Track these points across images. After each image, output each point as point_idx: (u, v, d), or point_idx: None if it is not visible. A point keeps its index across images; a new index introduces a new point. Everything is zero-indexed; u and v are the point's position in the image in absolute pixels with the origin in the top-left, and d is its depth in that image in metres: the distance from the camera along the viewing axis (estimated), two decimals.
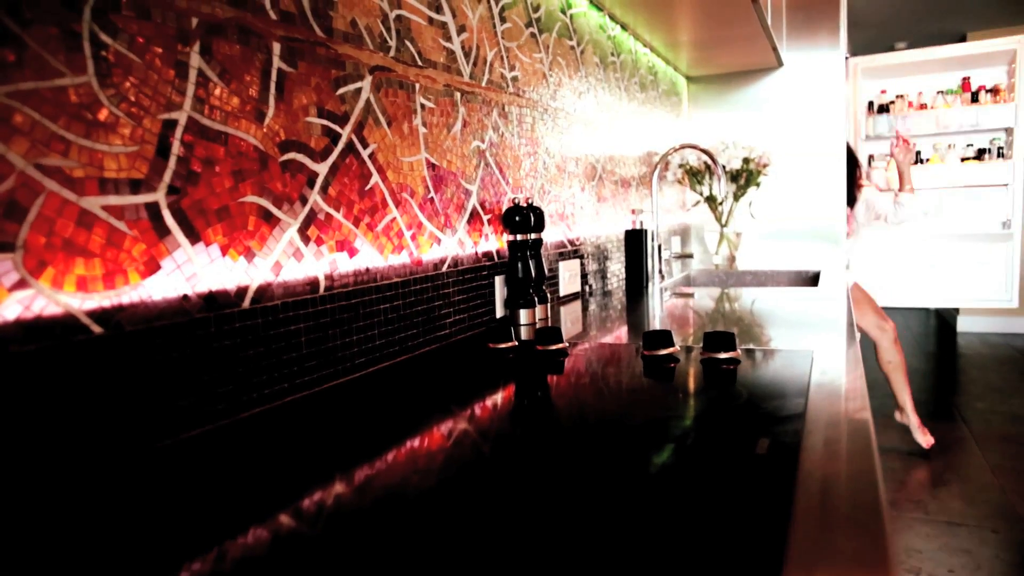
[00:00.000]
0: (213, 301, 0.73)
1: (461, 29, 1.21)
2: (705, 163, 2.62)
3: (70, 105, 0.60)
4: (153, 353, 0.66)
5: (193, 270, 0.71)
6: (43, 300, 0.58)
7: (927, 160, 3.14)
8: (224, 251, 0.75)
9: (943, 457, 2.86)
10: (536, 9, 1.51)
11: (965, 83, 2.89)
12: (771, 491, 0.49)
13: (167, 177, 0.68)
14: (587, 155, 1.81)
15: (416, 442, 0.65)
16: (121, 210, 0.64)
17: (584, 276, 1.77)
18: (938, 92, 3.07)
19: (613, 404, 0.77)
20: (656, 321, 1.36)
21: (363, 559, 0.43)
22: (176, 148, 0.69)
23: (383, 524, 0.47)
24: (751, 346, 1.04)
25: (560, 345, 1.01)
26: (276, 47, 0.82)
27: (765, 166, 2.61)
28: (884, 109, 3.14)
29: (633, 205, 2.21)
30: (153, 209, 0.67)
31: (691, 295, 1.77)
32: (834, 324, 1.20)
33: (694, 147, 2.03)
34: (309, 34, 0.87)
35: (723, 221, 2.71)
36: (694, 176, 2.65)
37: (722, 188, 2.12)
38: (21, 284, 0.56)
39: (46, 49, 0.58)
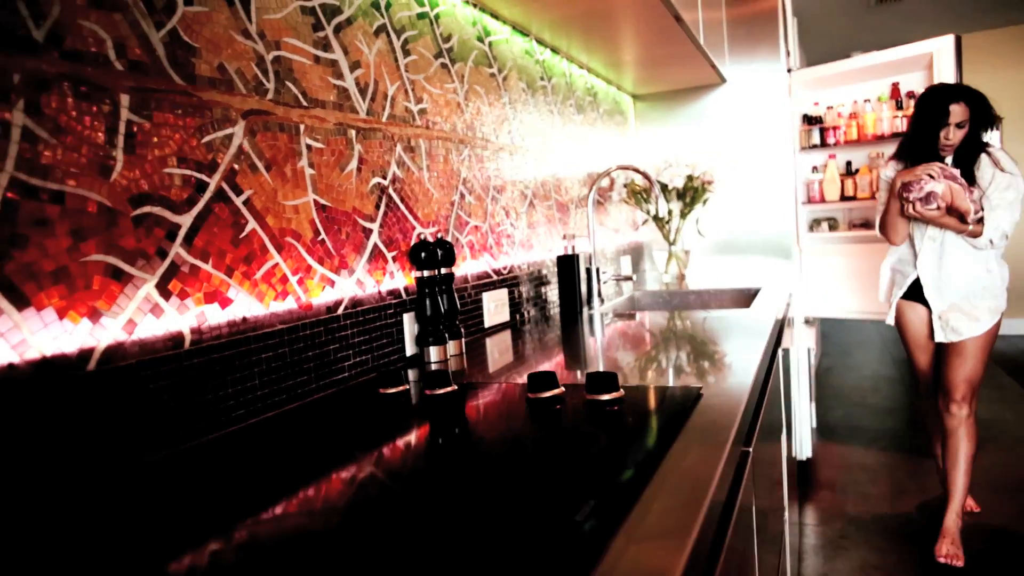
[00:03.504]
0: (49, 366, 0.70)
1: (355, 66, 1.19)
2: (661, 181, 2.62)
3: None
4: None
5: (24, 338, 0.68)
6: None
7: (857, 171, 3.17)
8: (62, 314, 0.72)
9: None
10: (447, 39, 1.50)
11: (894, 89, 2.92)
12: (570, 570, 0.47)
13: None
14: (515, 182, 1.80)
15: (246, 499, 0.62)
16: None
17: (516, 304, 1.75)
18: (865, 100, 3.11)
19: (463, 456, 0.74)
20: (573, 352, 1.34)
21: None
22: None
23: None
24: (640, 383, 1.02)
25: (448, 389, 0.98)
26: (124, 99, 0.79)
27: (709, 183, 2.62)
28: (817, 120, 3.18)
29: (577, 227, 2.20)
30: None
31: (629, 318, 1.75)
32: (745, 350, 1.19)
33: (627, 168, 2.03)
34: (166, 83, 0.85)
35: (671, 239, 2.71)
36: (639, 195, 2.65)
37: (661, 207, 2.11)
38: None
39: None
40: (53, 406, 0.70)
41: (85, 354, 0.74)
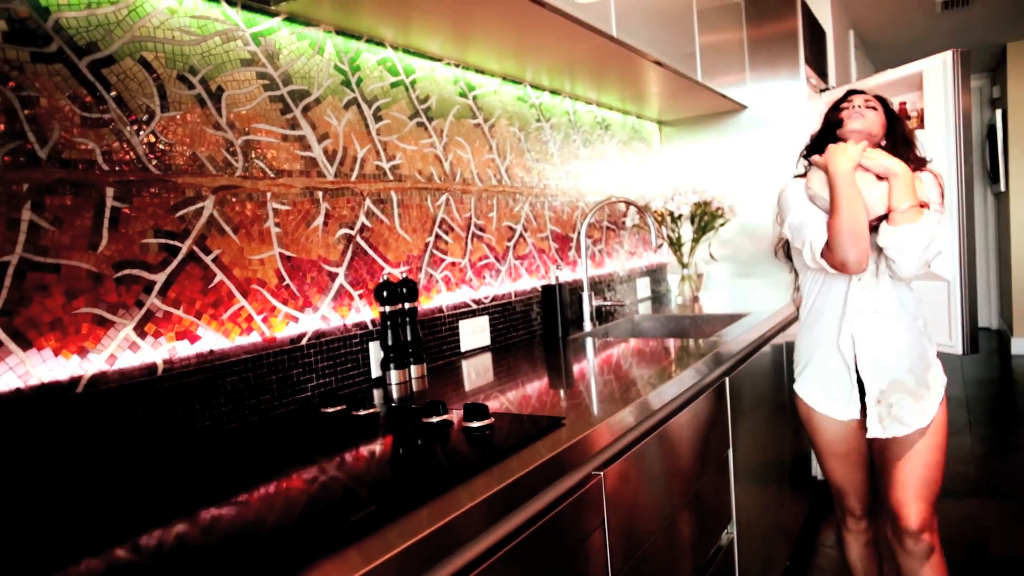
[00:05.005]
0: (46, 390, 0.98)
1: (323, 137, 1.44)
2: (668, 209, 2.75)
3: None
4: None
5: (28, 370, 0.96)
6: None
7: None
8: (56, 352, 1.00)
9: None
10: (424, 100, 1.73)
11: (901, 109, 2.89)
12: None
13: None
14: (502, 218, 2.00)
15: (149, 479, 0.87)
16: None
17: (500, 330, 1.95)
18: None
19: (307, 464, 0.96)
20: (523, 378, 1.53)
21: None
22: (7, 282, 0.95)
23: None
24: (524, 412, 1.20)
25: (370, 411, 1.20)
26: (109, 191, 1.07)
27: (720, 209, 2.71)
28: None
29: (580, 249, 2.37)
30: None
31: (606, 345, 1.92)
32: (662, 381, 1.34)
33: (619, 201, 2.19)
34: (143, 175, 1.12)
35: (684, 262, 2.82)
36: (659, 219, 2.78)
37: (653, 237, 2.25)
38: None
39: None
40: (49, 419, 0.97)
41: (74, 381, 1.01)
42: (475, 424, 1.07)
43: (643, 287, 2.90)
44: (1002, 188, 5.67)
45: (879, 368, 1.57)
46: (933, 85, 2.39)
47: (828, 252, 1.51)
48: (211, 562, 0.67)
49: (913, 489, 1.56)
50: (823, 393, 1.67)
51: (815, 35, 3.38)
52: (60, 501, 0.88)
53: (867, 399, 1.58)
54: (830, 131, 1.65)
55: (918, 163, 1.61)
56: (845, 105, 1.64)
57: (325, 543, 0.68)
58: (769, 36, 3.03)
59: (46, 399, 0.98)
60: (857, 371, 1.60)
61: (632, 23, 1.82)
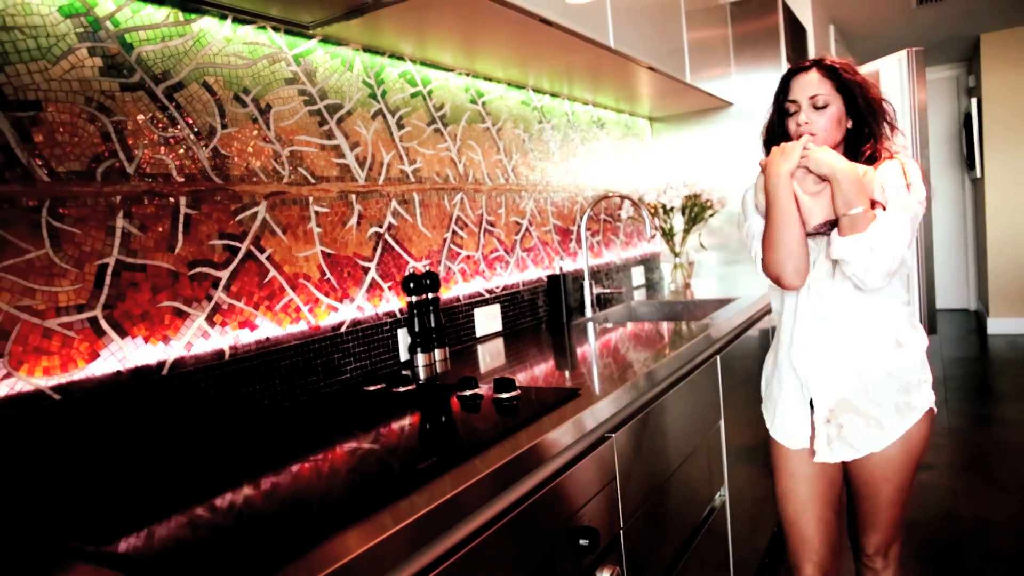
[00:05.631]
0: (139, 372, 1.15)
1: (354, 146, 1.61)
2: (661, 202, 2.92)
3: (34, 269, 1.02)
4: (97, 411, 1.07)
5: (124, 355, 1.13)
6: (21, 383, 1.00)
7: None
8: (146, 340, 1.16)
9: None
10: (439, 108, 1.90)
11: None
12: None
13: (103, 299, 1.10)
14: (510, 214, 2.17)
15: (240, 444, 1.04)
16: (70, 324, 1.06)
17: (510, 316, 2.13)
18: None
19: (375, 431, 1.13)
20: (535, 359, 1.70)
21: None
22: (107, 280, 1.11)
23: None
24: (547, 385, 1.38)
25: (408, 387, 1.38)
26: (183, 200, 1.23)
27: (707, 201, 2.89)
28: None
29: (580, 241, 2.55)
30: (94, 321, 1.09)
31: (607, 329, 2.10)
32: (656, 359, 1.52)
33: (615, 195, 2.36)
34: (209, 184, 1.28)
35: (676, 251, 3.00)
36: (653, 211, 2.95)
37: (648, 229, 2.43)
38: (7, 376, 0.98)
39: (11, 235, 1.00)
40: (142, 396, 1.14)
41: (160, 364, 1.18)
42: (504, 395, 1.24)
43: (638, 275, 3.08)
44: (978, 175, 5.89)
45: (829, 383, 1.43)
46: (889, 82, 2.57)
47: (765, 265, 1.44)
48: (319, 499, 0.84)
49: (870, 517, 1.48)
50: (777, 414, 1.54)
51: (796, 32, 3.56)
52: (156, 465, 1.05)
53: (815, 417, 1.45)
54: (782, 122, 1.47)
55: (884, 143, 1.43)
56: (791, 108, 1.43)
57: (403, 486, 0.85)
58: (753, 31, 3.20)
59: (139, 380, 1.14)
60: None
61: (627, 32, 1.99)
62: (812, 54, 3.93)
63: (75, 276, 1.07)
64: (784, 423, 1.52)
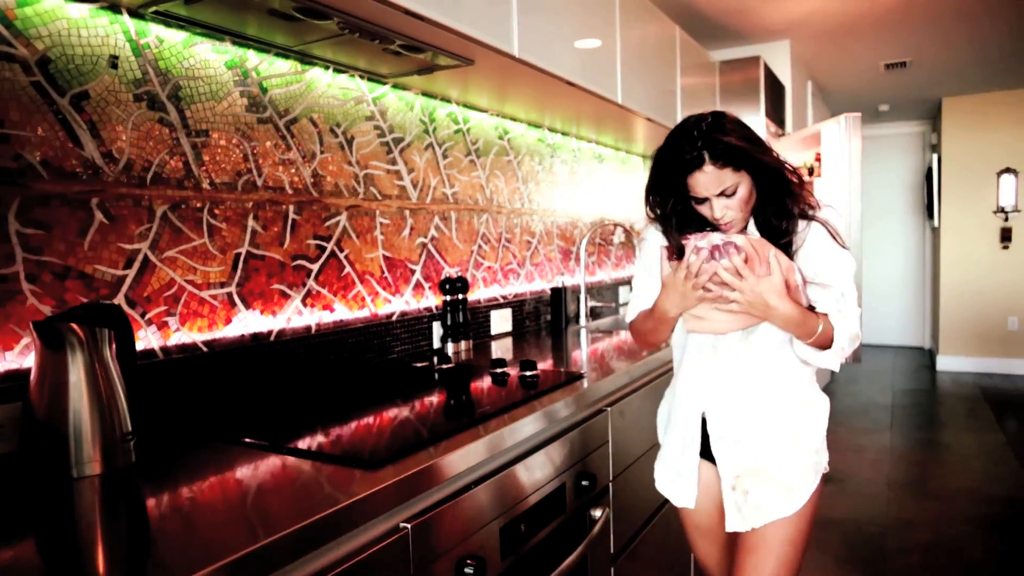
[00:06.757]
0: (256, 337, 1.51)
1: (411, 171, 1.99)
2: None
3: (197, 253, 1.38)
4: (230, 362, 1.43)
5: (246, 323, 1.49)
6: (185, 336, 1.36)
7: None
8: (262, 313, 1.52)
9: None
10: (475, 142, 2.29)
11: (817, 156, 3.54)
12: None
13: (236, 279, 1.47)
14: (522, 233, 2.56)
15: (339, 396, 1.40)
16: (216, 296, 1.42)
17: (520, 319, 2.51)
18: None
19: (439, 392, 1.50)
20: (540, 352, 2.08)
21: None
22: (240, 265, 1.47)
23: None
24: (556, 368, 1.76)
25: (448, 365, 1.75)
26: (291, 207, 1.60)
27: None
28: None
29: (579, 260, 2.94)
30: (230, 295, 1.45)
31: (598, 335, 2.49)
32: (636, 355, 1.91)
33: (610, 223, 2.75)
34: (308, 196, 1.65)
35: None
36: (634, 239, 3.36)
37: (637, 254, 2.83)
38: (177, 329, 1.34)
39: (185, 227, 1.37)
40: (258, 355, 1.50)
41: (269, 332, 1.54)
42: (528, 373, 1.62)
43: (624, 293, 3.48)
44: (936, 224, 6.41)
45: (736, 448, 1.33)
46: (829, 141, 3.02)
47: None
48: (419, 427, 1.21)
49: None
50: (668, 469, 1.44)
51: (775, 88, 4.02)
52: (269, 403, 1.42)
53: (722, 484, 1.34)
54: (681, 193, 1.26)
55: (804, 215, 1.30)
56: (701, 196, 1.23)
57: (473, 421, 1.23)
58: (737, 83, 3.65)
59: (256, 342, 1.50)
60: (708, 444, 1.37)
61: (632, 88, 2.40)
62: (789, 110, 4.40)
63: (220, 260, 1.44)
64: (673, 477, 1.43)
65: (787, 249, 1.27)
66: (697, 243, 1.18)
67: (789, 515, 1.30)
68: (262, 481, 0.98)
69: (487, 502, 1.14)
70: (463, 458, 1.10)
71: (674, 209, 1.31)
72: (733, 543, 1.39)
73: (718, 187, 1.21)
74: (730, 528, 1.33)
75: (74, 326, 1.02)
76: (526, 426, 1.28)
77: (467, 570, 1.06)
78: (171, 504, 0.91)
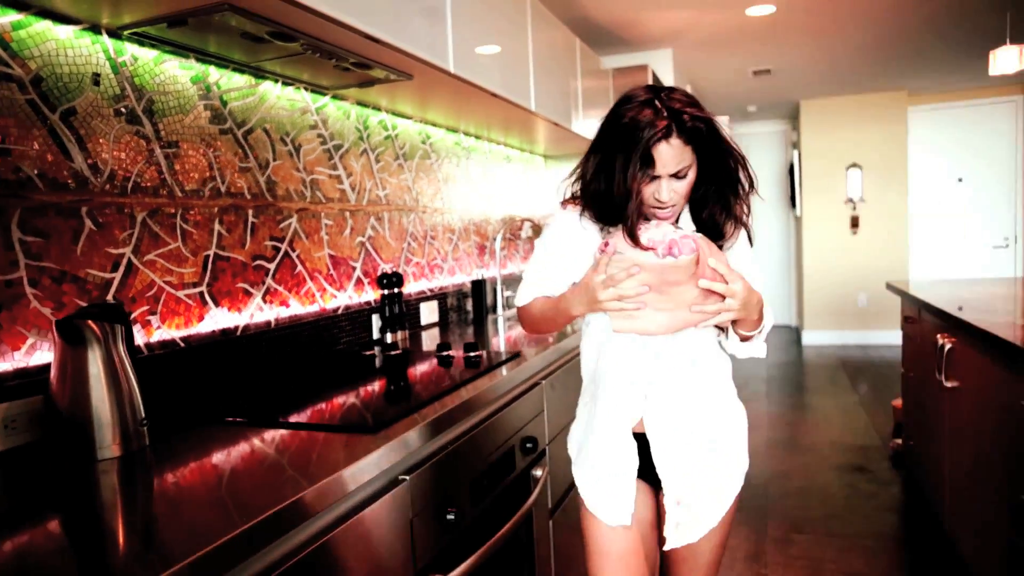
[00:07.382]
0: (225, 332, 1.63)
1: (349, 175, 2.14)
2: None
3: (172, 256, 1.50)
4: (205, 355, 1.55)
5: (216, 319, 1.61)
6: (165, 333, 1.47)
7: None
8: (230, 310, 1.65)
9: None
10: (402, 147, 2.46)
11: None
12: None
13: (207, 279, 1.59)
14: (444, 230, 2.76)
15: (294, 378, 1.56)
16: (190, 295, 1.54)
17: (445, 310, 2.71)
18: None
19: (378, 374, 1.69)
20: (465, 338, 2.30)
21: None
22: (209, 266, 1.59)
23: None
24: (488, 350, 1.99)
25: (395, 352, 1.93)
26: (250, 211, 1.73)
27: None
28: None
29: (494, 254, 3.17)
30: (202, 294, 1.57)
31: (515, 322, 2.73)
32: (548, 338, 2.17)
33: (517, 217, 3.00)
34: (264, 201, 1.78)
35: None
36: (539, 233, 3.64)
37: None
38: (159, 327, 1.45)
39: (162, 232, 1.48)
40: (227, 348, 1.62)
41: (236, 328, 1.67)
42: (472, 354, 1.84)
43: None
44: (798, 214, 7.16)
45: (681, 463, 1.24)
46: None
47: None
48: (386, 402, 1.40)
49: None
50: (597, 485, 1.31)
51: None
52: (238, 389, 1.56)
53: (665, 501, 1.25)
54: (623, 201, 1.14)
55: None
56: (657, 173, 1.12)
57: (423, 402, 1.43)
58: (628, 87, 4.00)
59: (225, 337, 1.63)
60: (649, 454, 1.26)
61: (542, 96, 2.66)
62: None
63: (192, 262, 1.55)
64: (604, 497, 1.29)
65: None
66: (652, 236, 1.09)
67: (720, 522, 1.28)
68: (270, 452, 1.14)
69: (460, 460, 1.35)
70: (448, 419, 1.30)
71: (626, 190, 1.12)
72: (644, 566, 1.30)
73: (676, 165, 1.12)
74: (669, 545, 1.26)
75: (92, 323, 1.13)
76: (488, 393, 1.50)
77: (449, 516, 1.27)
78: (199, 476, 1.06)
